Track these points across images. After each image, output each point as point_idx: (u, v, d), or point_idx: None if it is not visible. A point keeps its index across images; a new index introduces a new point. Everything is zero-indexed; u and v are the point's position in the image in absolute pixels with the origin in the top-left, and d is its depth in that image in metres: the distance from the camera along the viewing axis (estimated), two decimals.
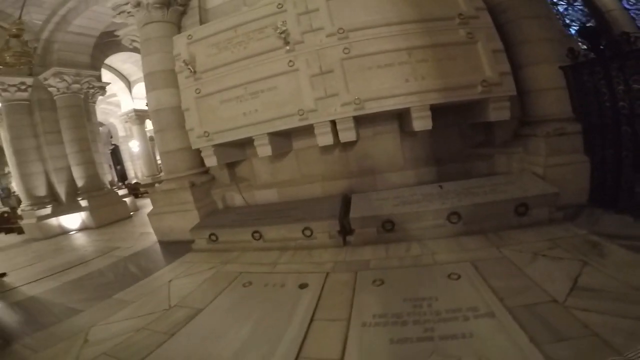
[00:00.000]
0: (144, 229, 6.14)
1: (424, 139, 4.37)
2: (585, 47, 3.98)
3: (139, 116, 13.35)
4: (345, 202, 3.84)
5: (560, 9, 6.77)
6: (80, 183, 7.69)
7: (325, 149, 4.52)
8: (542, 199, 3.04)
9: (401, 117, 4.26)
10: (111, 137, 18.01)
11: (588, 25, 6.59)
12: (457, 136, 4.44)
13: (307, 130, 4.29)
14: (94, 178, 7.84)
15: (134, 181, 16.44)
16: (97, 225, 7.35)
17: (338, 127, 3.82)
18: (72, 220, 7.53)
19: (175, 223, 4.61)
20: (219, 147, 4.34)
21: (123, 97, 12.79)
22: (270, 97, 3.93)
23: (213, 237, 3.88)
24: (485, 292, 2.05)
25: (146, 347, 2.07)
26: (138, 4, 4.83)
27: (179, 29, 5.09)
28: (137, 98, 12.66)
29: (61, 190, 7.69)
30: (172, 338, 2.12)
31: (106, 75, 10.11)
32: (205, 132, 4.19)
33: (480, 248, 2.76)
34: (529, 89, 3.79)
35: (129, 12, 5.05)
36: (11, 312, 3.20)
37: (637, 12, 6.85)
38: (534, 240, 2.72)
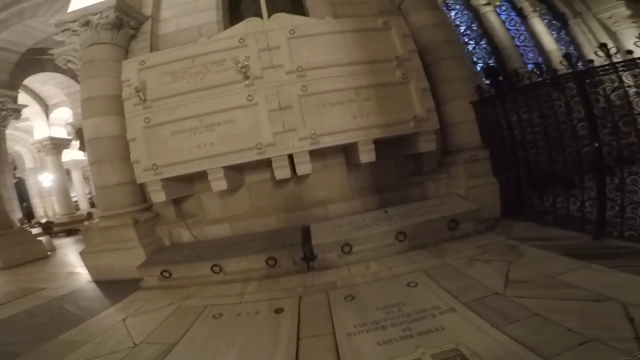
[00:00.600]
0: (70, 269, 5.48)
1: (367, 171, 4.83)
2: (488, 83, 4.93)
3: (56, 145, 11.85)
4: (304, 231, 3.99)
5: (470, 47, 8.10)
6: None
7: (278, 183, 4.65)
8: (467, 215, 3.68)
9: (347, 150, 4.65)
10: (15, 169, 15.48)
11: (489, 64, 8.01)
12: (394, 167, 5.01)
13: (260, 164, 4.45)
14: (1, 215, 6.73)
15: (43, 220, 14.24)
16: (5, 265, 6.30)
17: (295, 160, 4.02)
18: None
19: (115, 262, 4.17)
20: (167, 182, 4.12)
21: (37, 122, 11.33)
22: (227, 130, 3.95)
23: (166, 274, 3.65)
24: (441, 293, 2.44)
25: None
26: (87, 23, 4.55)
27: (126, 53, 4.87)
28: (55, 125, 11.35)
29: None
30: None
31: (20, 97, 8.99)
32: (153, 164, 3.95)
33: (426, 259, 3.21)
34: (449, 123, 4.51)
35: (74, 31, 4.70)
36: None
37: (524, 48, 8.70)
38: (467, 248, 3.28)
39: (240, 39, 4.06)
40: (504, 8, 9.01)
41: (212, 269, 3.52)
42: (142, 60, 4.14)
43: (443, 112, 4.47)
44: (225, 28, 4.91)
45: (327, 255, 3.50)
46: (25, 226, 7.88)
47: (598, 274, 2.29)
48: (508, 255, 2.94)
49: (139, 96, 3.95)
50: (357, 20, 4.39)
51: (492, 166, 4.21)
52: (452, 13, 8.45)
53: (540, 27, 8.90)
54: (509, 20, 8.93)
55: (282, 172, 4.07)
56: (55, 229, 11.64)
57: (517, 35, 8.85)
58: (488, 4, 8.36)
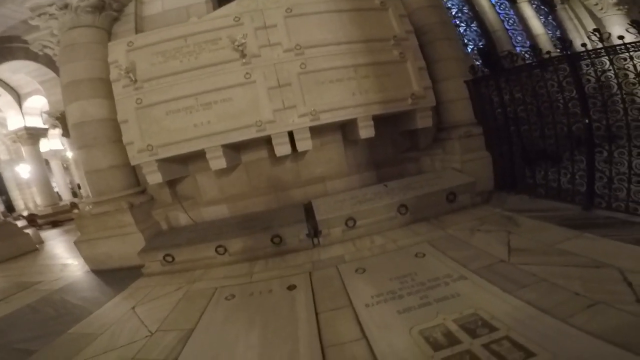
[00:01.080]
0: (63, 261, 5.35)
1: (364, 147, 4.89)
2: (480, 63, 4.95)
3: (32, 135, 11.27)
4: (306, 208, 4.00)
5: (461, 29, 8.20)
6: None
7: (276, 161, 4.64)
8: (464, 187, 3.81)
9: (344, 127, 4.67)
10: None
11: (480, 45, 8.16)
12: (390, 143, 5.09)
13: (257, 142, 4.42)
14: None
15: (24, 213, 13.73)
16: None
17: (295, 137, 3.99)
18: None
19: (113, 249, 4.08)
20: (163, 163, 4.02)
21: (10, 113, 10.70)
22: (224, 108, 3.86)
23: (168, 258, 3.60)
24: (449, 262, 2.52)
25: None
26: (65, 6, 4.31)
27: (109, 35, 4.64)
28: (30, 114, 10.76)
29: None
30: None
31: None
32: (148, 145, 3.83)
33: (429, 231, 3.30)
34: (443, 100, 4.59)
35: (51, 15, 4.45)
36: None
37: (513, 31, 8.88)
38: (466, 220, 3.40)
39: (236, 17, 3.93)
40: None
41: (216, 250, 3.50)
42: (131, 41, 3.95)
43: (438, 90, 4.52)
44: (215, 9, 4.72)
45: (332, 230, 3.55)
46: (8, 219, 7.54)
47: (592, 242, 2.41)
48: (506, 225, 3.07)
49: (129, 77, 3.78)
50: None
51: (485, 142, 4.33)
52: None
53: (528, 11, 9.07)
54: (499, 4, 9.04)
55: (282, 148, 4.05)
56: (40, 221, 11.23)
57: (507, 19, 8.98)
58: None
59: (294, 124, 3.93)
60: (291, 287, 2.64)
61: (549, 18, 9.97)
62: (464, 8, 8.56)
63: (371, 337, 1.82)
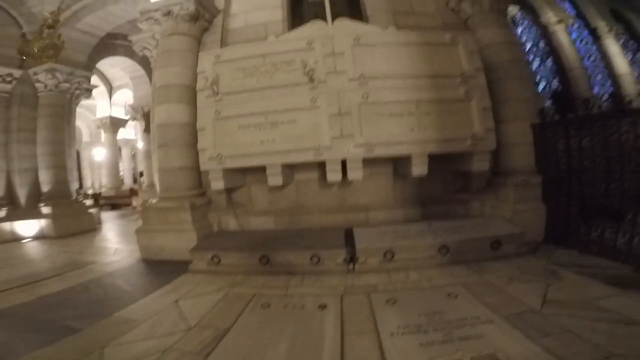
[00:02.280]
0: (117, 245, 5.83)
1: (413, 182, 4.80)
2: (550, 105, 4.72)
3: (114, 124, 12.81)
4: (346, 234, 4.06)
5: (534, 65, 7.85)
6: (45, 188, 7.14)
7: (325, 184, 4.73)
8: (511, 237, 3.69)
9: (396, 160, 4.66)
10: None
11: (553, 84, 7.70)
12: (440, 181, 4.94)
13: (311, 165, 4.58)
14: (62, 184, 7.32)
15: (89, 191, 15.31)
16: (57, 235, 6.74)
17: (348, 165, 4.11)
18: (28, 227, 6.88)
19: (168, 242, 4.43)
20: (227, 171, 4.36)
21: (101, 101, 12.29)
22: (289, 129, 4.10)
23: (215, 259, 3.85)
24: (480, 306, 2.53)
25: None
26: (168, 13, 4.82)
27: (198, 44, 5.14)
28: (116, 105, 12.24)
29: (22, 194, 7.07)
30: (208, 359, 2.10)
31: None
32: (218, 154, 4.19)
33: (466, 275, 3.27)
34: (505, 143, 4.41)
35: (156, 20, 4.98)
36: None
37: (593, 69, 8.26)
38: (507, 268, 3.33)
39: (308, 41, 4.19)
40: (576, 26, 8.63)
41: (259, 259, 3.68)
42: (218, 54, 4.39)
43: (500, 132, 4.38)
44: (289, 27, 5.09)
45: (369, 259, 3.58)
46: (80, 197, 8.46)
47: (633, 301, 2.41)
48: (547, 278, 3.01)
49: (213, 89, 4.20)
50: (423, 33, 4.40)
51: (542, 192, 4.13)
52: (519, 29, 8.20)
53: (614, 48, 8.39)
54: (579, 39, 8.54)
55: (334, 175, 4.18)
56: (101, 201, 12.39)
57: (587, 55, 8.41)
58: (560, 21, 8.00)
59: (349, 153, 4.05)
60: (322, 306, 2.72)
61: (637, 55, 9.14)
62: (539, 42, 8.21)
63: None
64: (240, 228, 4.83)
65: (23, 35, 6.63)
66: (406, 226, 4.13)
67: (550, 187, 4.05)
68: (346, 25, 4.40)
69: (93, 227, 7.66)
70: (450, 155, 4.40)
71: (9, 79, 6.83)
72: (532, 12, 8.41)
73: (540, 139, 4.19)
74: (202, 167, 4.38)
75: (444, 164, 4.68)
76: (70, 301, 3.28)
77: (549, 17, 8.14)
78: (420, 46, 4.22)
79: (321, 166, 4.39)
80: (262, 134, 4.16)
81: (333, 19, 4.51)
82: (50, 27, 5.06)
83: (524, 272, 3.20)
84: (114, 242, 6.32)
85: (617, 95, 4.39)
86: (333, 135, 4.04)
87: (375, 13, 5.15)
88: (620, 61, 8.26)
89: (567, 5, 8.85)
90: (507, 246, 3.65)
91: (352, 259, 3.63)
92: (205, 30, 5.27)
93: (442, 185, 4.98)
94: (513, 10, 6.14)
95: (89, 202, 8.54)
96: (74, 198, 7.69)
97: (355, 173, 4.15)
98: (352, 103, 4.05)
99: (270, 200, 4.99)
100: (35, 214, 6.93)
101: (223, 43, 5.14)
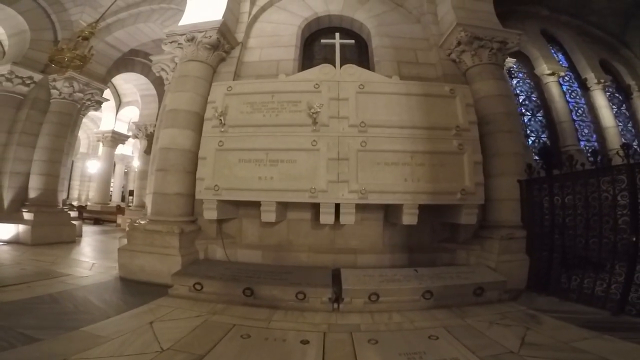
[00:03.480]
0: (94, 260, 5.66)
1: (402, 230, 4.91)
2: (537, 159, 4.92)
3: (115, 138, 12.94)
4: (334, 274, 4.06)
5: (526, 119, 8.06)
6: (33, 194, 7.07)
7: (317, 225, 4.76)
8: (494, 285, 3.88)
9: (388, 208, 4.79)
10: None
11: (542, 138, 7.93)
12: (429, 230, 5.05)
13: (305, 205, 4.66)
14: (50, 193, 7.26)
15: (74, 202, 14.99)
16: (32, 242, 6.54)
17: (341, 210, 4.19)
18: (4, 231, 6.67)
19: (149, 264, 4.32)
20: (221, 203, 4.37)
21: (107, 115, 12.49)
22: (288, 168, 4.19)
23: (198, 286, 3.77)
24: (460, 347, 2.63)
25: None
26: (192, 39, 5.00)
27: (213, 74, 5.32)
28: (121, 120, 12.44)
29: (7, 196, 6.97)
30: None
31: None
32: (215, 185, 4.21)
33: (448, 318, 3.37)
34: (493, 198, 4.60)
35: (179, 44, 5.14)
36: None
37: (580, 123, 8.50)
38: (488, 313, 3.47)
39: (316, 84, 4.41)
40: (567, 78, 9.00)
41: (243, 291, 3.63)
42: (230, 86, 4.56)
43: (489, 186, 4.54)
44: (299, 66, 5.39)
45: (354, 300, 3.59)
46: (65, 208, 8.31)
47: (608, 343, 2.58)
48: (527, 322, 3.16)
49: (220, 119, 4.32)
50: (425, 84, 4.63)
51: (526, 245, 4.36)
52: (514, 81, 8.58)
53: (601, 100, 8.67)
54: (570, 91, 8.87)
55: (327, 217, 4.23)
56: (85, 214, 12.12)
57: (576, 108, 8.70)
58: (552, 74, 8.35)
59: (343, 198, 4.13)
60: (304, 342, 2.70)
61: (622, 108, 9.49)
62: (532, 95, 8.50)
63: None
64: (227, 258, 4.77)
65: (55, 41, 6.88)
66: (393, 271, 4.16)
67: (534, 241, 4.31)
68: (352, 71, 4.63)
69: (72, 239, 7.45)
70: (440, 207, 4.53)
71: (28, 81, 7.02)
72: (527, 64, 8.86)
73: (527, 195, 4.44)
74: (198, 196, 4.39)
75: (434, 214, 4.81)
76: (35, 311, 3.08)
77: (543, 69, 8.52)
78: (420, 97, 4.42)
79: (314, 207, 4.46)
80: (261, 170, 4.24)
81: (342, 63, 4.75)
82: (85, 38, 5.28)
83: (504, 316, 3.35)
84: (92, 256, 6.10)
85: (597, 152, 4.67)
86: (330, 179, 4.14)
87: (382, 61, 5.57)
88: (607, 114, 8.53)
89: (560, 57, 9.40)
90: (489, 293, 3.81)
91: (337, 298, 3.64)
92: (222, 60, 5.50)
93: (430, 234, 5.09)
94: (510, 61, 6.51)
95: (73, 213, 8.34)
96: (59, 208, 7.55)
97: (348, 217, 4.23)
98: (351, 149, 4.20)
99: (261, 234, 4.99)
100: (15, 218, 6.77)
101: (237, 75, 5.40)
